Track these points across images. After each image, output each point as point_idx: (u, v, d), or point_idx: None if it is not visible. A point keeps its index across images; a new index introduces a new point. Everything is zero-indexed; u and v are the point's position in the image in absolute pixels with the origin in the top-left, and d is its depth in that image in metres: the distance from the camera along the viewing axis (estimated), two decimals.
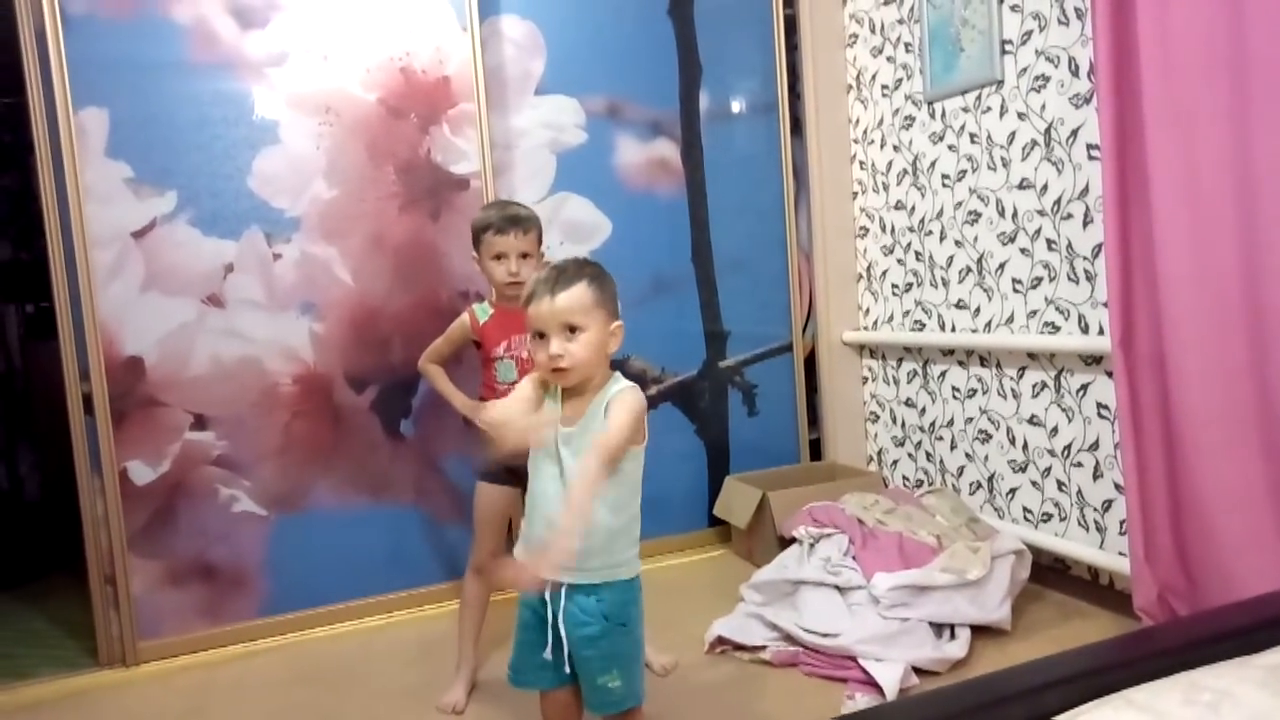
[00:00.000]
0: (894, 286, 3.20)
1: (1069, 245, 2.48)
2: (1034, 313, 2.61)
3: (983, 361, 2.83)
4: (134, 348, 2.55)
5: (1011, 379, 2.72)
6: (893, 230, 3.18)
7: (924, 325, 3.07)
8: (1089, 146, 2.39)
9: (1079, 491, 2.53)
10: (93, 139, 2.49)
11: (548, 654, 1.53)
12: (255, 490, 2.67)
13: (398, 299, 2.80)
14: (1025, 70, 2.56)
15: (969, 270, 2.84)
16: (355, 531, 2.76)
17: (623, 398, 1.49)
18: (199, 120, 2.59)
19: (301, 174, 2.69)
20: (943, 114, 2.89)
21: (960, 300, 2.89)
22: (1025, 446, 2.69)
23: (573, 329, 1.47)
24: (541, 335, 1.48)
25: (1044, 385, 2.61)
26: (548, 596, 1.52)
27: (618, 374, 1.55)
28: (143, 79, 2.53)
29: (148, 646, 2.57)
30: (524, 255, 2.13)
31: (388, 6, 2.76)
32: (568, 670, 1.54)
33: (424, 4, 2.80)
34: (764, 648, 2.29)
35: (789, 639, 2.28)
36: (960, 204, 2.85)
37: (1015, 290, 2.67)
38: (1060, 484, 2.59)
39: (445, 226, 2.84)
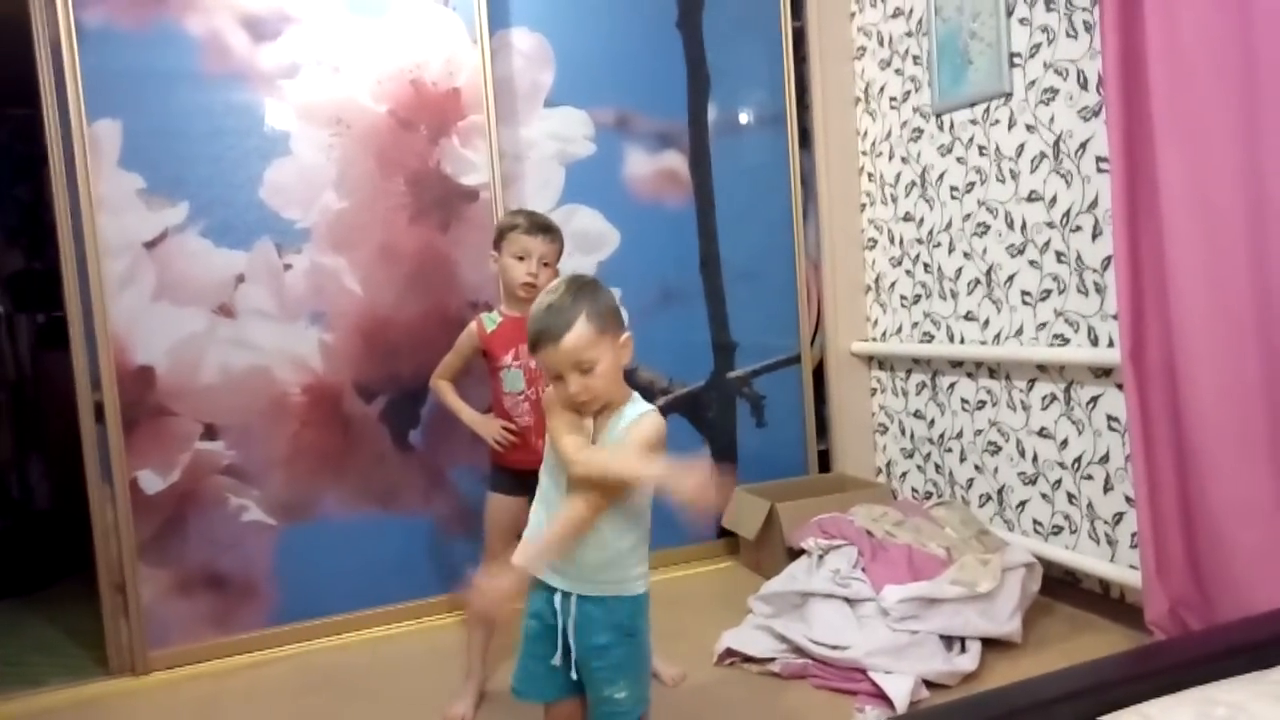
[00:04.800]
0: (903, 298, 3.20)
1: (1078, 257, 2.48)
2: (1043, 325, 2.60)
3: (992, 373, 2.82)
4: (145, 357, 2.56)
5: (1021, 391, 2.71)
6: (901, 242, 3.18)
7: (933, 337, 3.06)
8: (1098, 159, 2.38)
9: (1089, 504, 2.52)
10: (106, 150, 2.51)
11: (556, 660, 1.52)
12: (264, 500, 2.68)
13: (407, 309, 2.81)
14: (1034, 83, 2.57)
15: (978, 282, 2.84)
16: (364, 541, 2.77)
17: (640, 426, 1.47)
18: (211, 131, 2.61)
19: (312, 185, 2.71)
20: (951, 126, 2.89)
21: (969, 312, 2.88)
22: (1035, 459, 2.68)
23: (585, 368, 1.44)
24: (559, 377, 1.46)
25: (1054, 397, 2.60)
26: (557, 605, 1.51)
27: (637, 395, 1.54)
28: (156, 91, 2.55)
29: (157, 655, 2.57)
30: (545, 263, 2.14)
31: (398, 19, 2.78)
32: (575, 678, 1.54)
33: (434, 17, 2.82)
34: (773, 660, 2.28)
35: (798, 651, 2.27)
36: (969, 216, 2.85)
37: (1024, 302, 2.66)
38: (1070, 496, 2.57)
39: (454, 237, 2.85)
